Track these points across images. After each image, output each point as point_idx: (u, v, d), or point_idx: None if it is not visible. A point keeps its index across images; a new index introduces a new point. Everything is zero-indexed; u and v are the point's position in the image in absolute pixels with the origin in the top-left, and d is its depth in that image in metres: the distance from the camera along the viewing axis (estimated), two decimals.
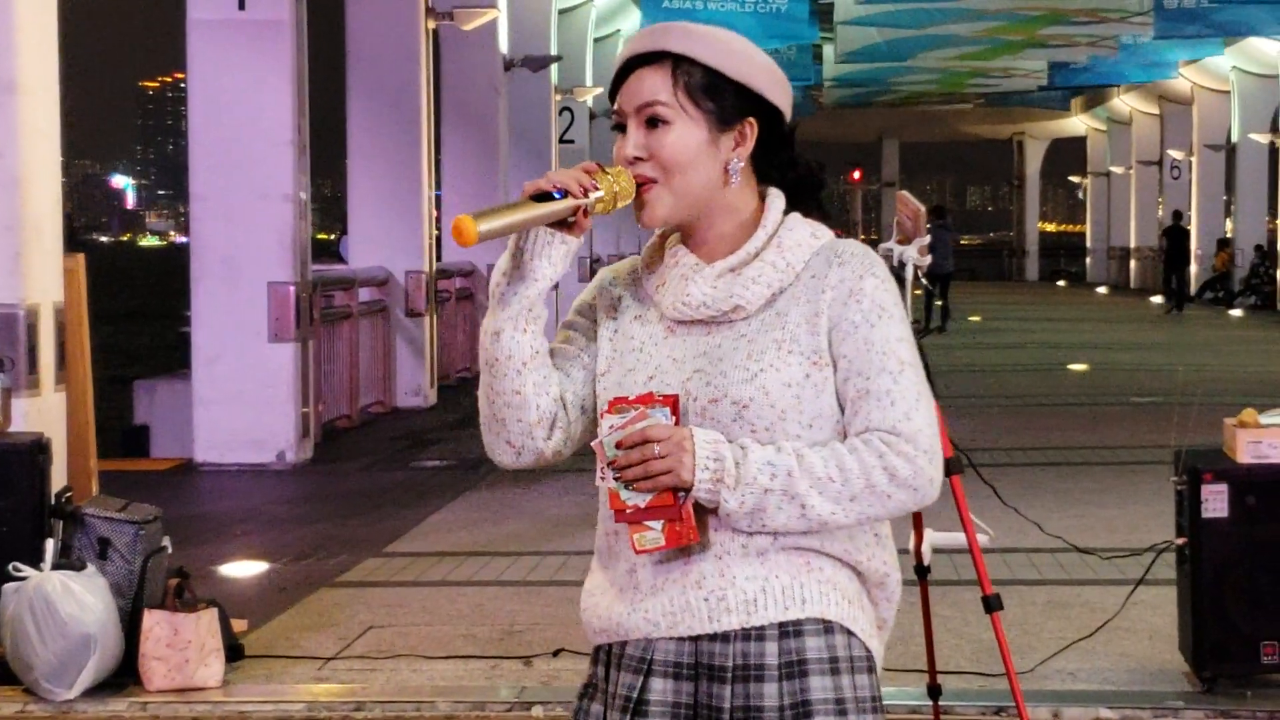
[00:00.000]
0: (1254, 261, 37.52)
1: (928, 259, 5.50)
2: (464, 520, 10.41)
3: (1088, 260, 58.15)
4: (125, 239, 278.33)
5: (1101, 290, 47.29)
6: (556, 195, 2.62)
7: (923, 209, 5.48)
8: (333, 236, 36.20)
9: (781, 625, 2.63)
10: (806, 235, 2.73)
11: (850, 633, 2.66)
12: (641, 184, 2.68)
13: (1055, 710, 6.28)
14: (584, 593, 2.80)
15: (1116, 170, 52.96)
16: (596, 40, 28.49)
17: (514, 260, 2.69)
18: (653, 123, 2.69)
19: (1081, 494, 10.90)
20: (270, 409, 12.71)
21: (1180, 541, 6.53)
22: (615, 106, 2.73)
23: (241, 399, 12.66)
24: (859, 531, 2.69)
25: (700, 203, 2.71)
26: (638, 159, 2.68)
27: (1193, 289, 40.85)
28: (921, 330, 5.70)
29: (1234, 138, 39.05)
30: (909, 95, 48.41)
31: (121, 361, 29.39)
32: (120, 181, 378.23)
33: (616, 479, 2.58)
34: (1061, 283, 55.68)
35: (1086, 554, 8.42)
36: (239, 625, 7.26)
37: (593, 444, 2.63)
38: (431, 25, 17.03)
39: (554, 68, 23.44)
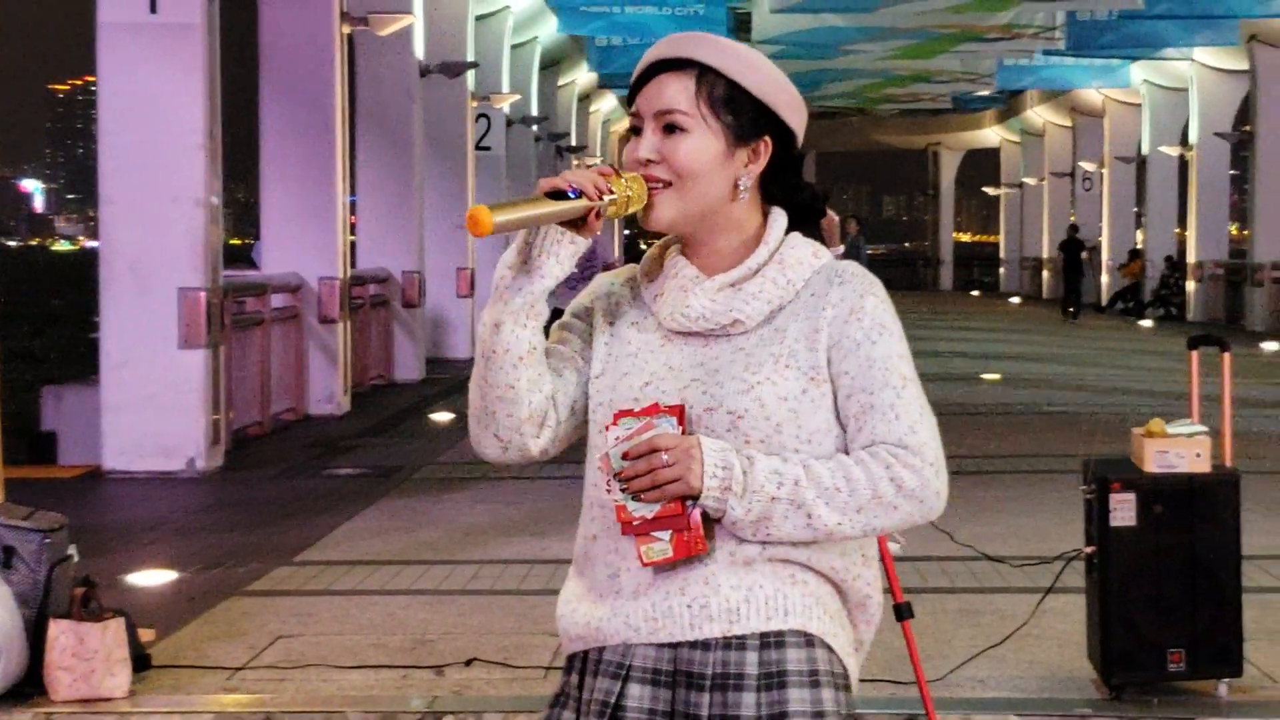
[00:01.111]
0: (1163, 273, 37.91)
1: None
2: (376, 529, 10.35)
3: (1001, 270, 58.53)
4: (34, 244, 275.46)
5: (1015, 300, 47.62)
6: (571, 195, 2.62)
7: (837, 219, 5.49)
8: (247, 242, 35.98)
9: (763, 635, 2.62)
10: (808, 254, 2.75)
11: (830, 649, 2.67)
12: (651, 187, 2.69)
13: (965, 717, 6.30)
14: (560, 601, 2.78)
15: (1030, 181, 53.36)
16: (514, 47, 28.43)
17: (521, 255, 2.68)
18: (670, 129, 2.69)
19: (994, 502, 10.96)
20: (180, 416, 12.60)
21: (1089, 550, 6.57)
22: (633, 109, 2.73)
23: (151, 405, 12.54)
24: (850, 549, 2.70)
25: (706, 214, 2.71)
26: (650, 161, 2.69)
27: (1104, 300, 41.24)
28: None
29: (1144, 150, 39.43)
30: (825, 106, 48.67)
31: (30, 367, 29.07)
32: (29, 185, 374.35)
33: (624, 490, 2.57)
34: (975, 292, 56.02)
35: (997, 562, 8.46)
36: (146, 635, 7.18)
37: (598, 458, 2.62)
38: (346, 30, 16.95)
39: (470, 74, 23.38)
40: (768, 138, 2.73)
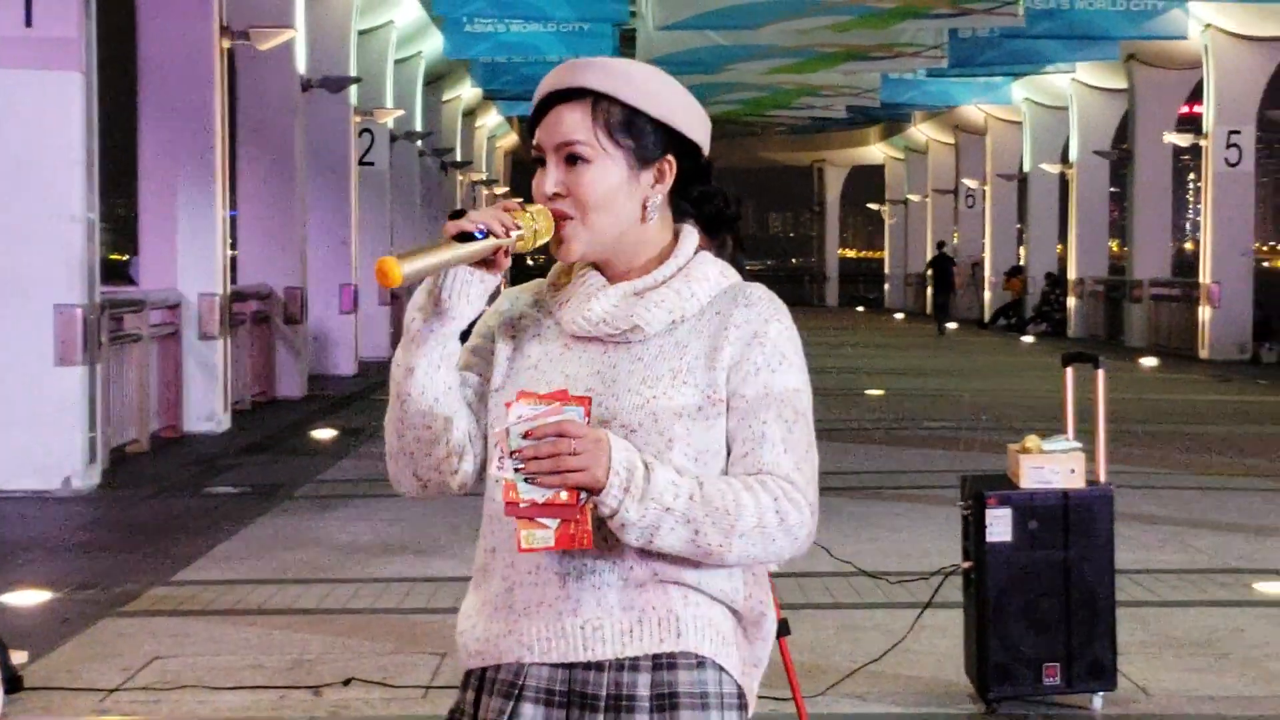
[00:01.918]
0: (1044, 289, 38.34)
1: None
2: (255, 548, 10.24)
3: (886, 286, 58.98)
4: None
5: (899, 316, 48.01)
6: (479, 235, 2.59)
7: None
8: (125, 258, 35.60)
9: (655, 658, 2.61)
10: (715, 272, 2.74)
11: (722, 669, 2.66)
12: (559, 220, 2.67)
13: None
14: (460, 615, 2.76)
15: (914, 198, 53.82)
16: (397, 62, 28.32)
17: (431, 298, 2.65)
18: (572, 160, 2.67)
19: (875, 518, 11.02)
20: (56, 434, 12.43)
21: (966, 565, 6.62)
22: (535, 142, 2.71)
23: (26, 423, 12.36)
24: (735, 571, 2.69)
25: (617, 239, 2.70)
26: (556, 195, 2.67)
27: (986, 316, 41.65)
28: None
29: (1026, 168, 39.89)
30: (711, 122, 48.73)
31: None
32: None
33: (518, 470, 2.49)
34: (860, 308, 56.41)
35: (875, 578, 8.50)
36: (19, 656, 7.06)
37: (494, 431, 2.54)
38: (226, 44, 16.80)
39: (353, 89, 23.27)
40: (671, 156, 2.72)
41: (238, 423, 17.05)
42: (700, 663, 2.63)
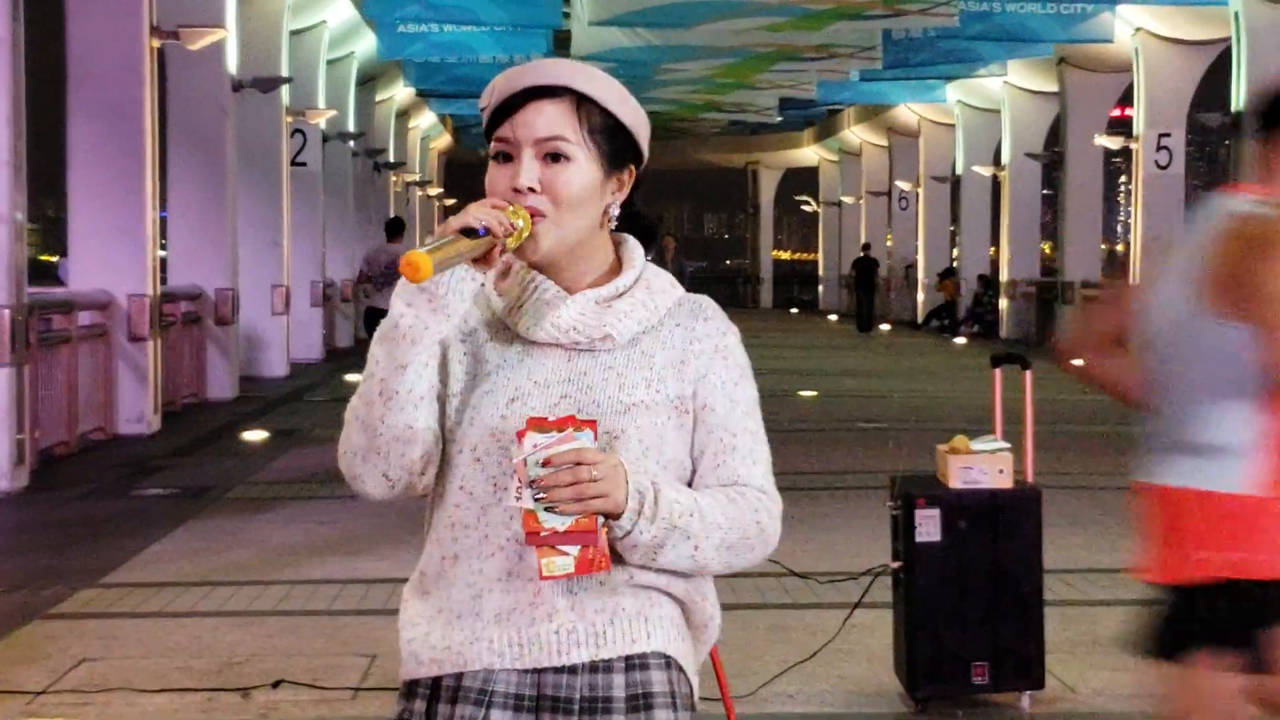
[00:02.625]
0: (977, 291, 38.54)
1: None
2: (186, 550, 10.19)
3: (820, 288, 59.15)
4: None
5: (833, 318, 48.17)
6: (480, 232, 2.57)
7: (673, 244, 5.49)
8: (55, 259, 35.37)
9: (628, 659, 2.63)
10: (668, 283, 2.77)
11: (683, 670, 2.70)
12: (532, 216, 2.65)
13: None
14: (404, 624, 2.72)
15: (848, 200, 54.01)
16: (330, 62, 28.21)
17: (425, 294, 2.59)
18: (554, 157, 2.65)
19: (807, 518, 11.04)
20: None
21: (895, 565, 6.65)
22: (503, 135, 2.67)
23: None
24: (694, 576, 2.72)
25: (578, 243, 2.70)
26: (530, 190, 2.64)
27: (919, 317, 41.86)
28: None
29: (959, 170, 40.09)
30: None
31: None
32: None
33: (538, 499, 2.49)
34: (795, 310, 56.56)
35: (803, 578, 8.53)
36: None
37: (514, 461, 2.52)
38: (156, 44, 16.71)
39: (285, 89, 23.17)
40: (633, 166, 2.74)
41: (168, 424, 16.96)
42: (668, 662, 2.66)
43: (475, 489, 2.64)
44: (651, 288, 2.73)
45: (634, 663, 2.64)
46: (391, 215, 26.77)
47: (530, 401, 2.64)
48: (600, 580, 2.62)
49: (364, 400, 2.63)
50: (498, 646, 2.61)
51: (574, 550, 2.52)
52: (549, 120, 2.65)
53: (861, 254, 42.39)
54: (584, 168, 2.66)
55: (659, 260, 24.92)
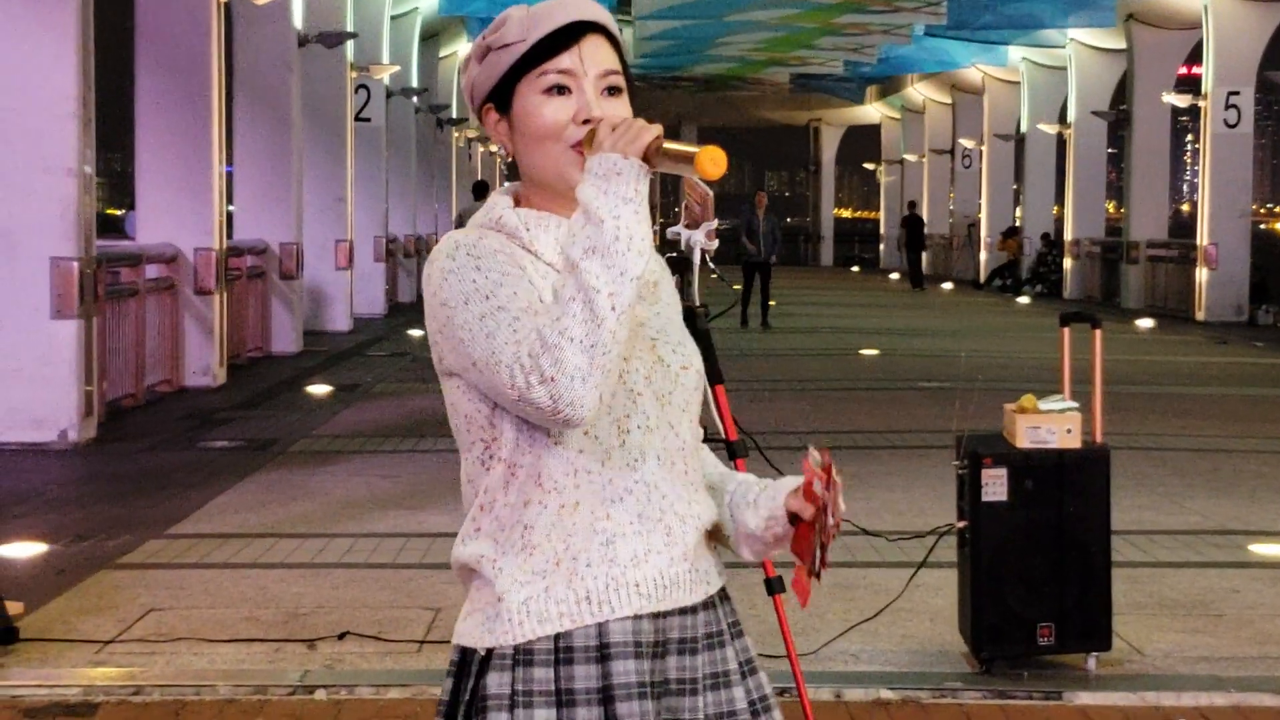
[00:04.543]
0: (1040, 250, 38.33)
1: (715, 243, 5.49)
2: (251, 501, 10.25)
3: (881, 247, 58.95)
4: None
5: (894, 276, 47.97)
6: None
7: (710, 193, 5.47)
8: (122, 213, 35.55)
9: (721, 591, 2.68)
10: None
11: None
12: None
13: (837, 691, 6.34)
14: (506, 588, 2.53)
15: (910, 158, 53.75)
16: (394, 18, 28.24)
17: (635, 205, 2.47)
18: (612, 91, 2.62)
19: (869, 477, 11.02)
20: (52, 387, 12.43)
21: (961, 525, 6.62)
22: (566, 67, 2.59)
23: (22, 376, 12.36)
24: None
25: None
26: (592, 120, 2.58)
27: (982, 277, 41.68)
28: (712, 314, 5.72)
29: (1023, 128, 39.83)
30: (708, 79, 48.71)
31: None
32: None
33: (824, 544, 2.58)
34: (855, 269, 56.38)
35: (872, 536, 8.52)
36: (15, 608, 7.07)
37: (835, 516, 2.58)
38: None
39: (350, 45, 23.20)
40: None
41: (233, 377, 17.06)
42: (725, 594, 2.71)
43: (600, 432, 2.55)
44: None
45: (724, 593, 2.69)
46: (478, 177, 26.80)
47: (633, 344, 2.59)
48: (701, 517, 2.64)
49: (585, 319, 2.40)
50: (645, 589, 2.54)
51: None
52: (604, 53, 2.63)
53: (909, 212, 42.90)
54: (627, 102, 2.65)
55: (751, 211, 24.97)
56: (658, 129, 2.49)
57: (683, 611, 2.59)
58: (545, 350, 2.39)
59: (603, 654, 2.52)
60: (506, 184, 2.76)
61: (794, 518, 2.63)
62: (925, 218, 49.55)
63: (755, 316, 25.00)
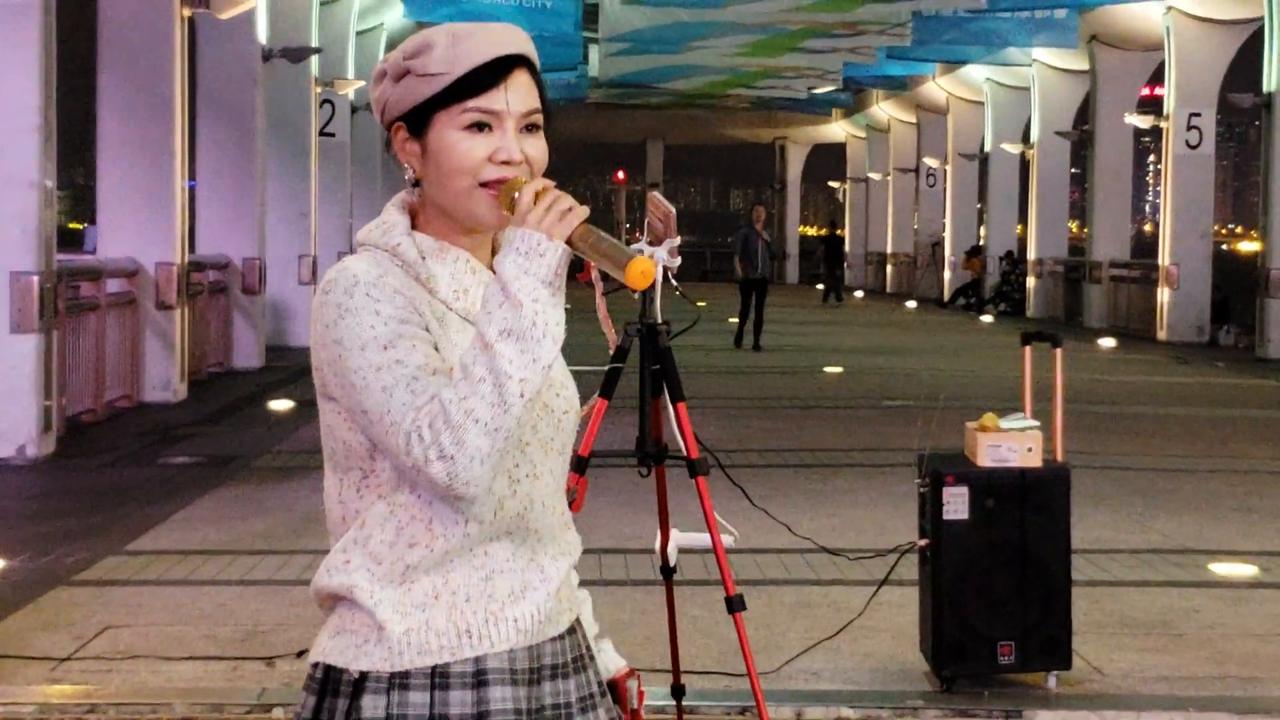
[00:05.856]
0: (1004, 269, 38.46)
1: (678, 260, 5.48)
2: (211, 517, 10.20)
3: (846, 265, 59.03)
4: None
5: (859, 294, 48.05)
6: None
7: (673, 210, 5.46)
8: (84, 227, 35.38)
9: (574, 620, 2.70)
10: None
11: None
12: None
13: (798, 710, 6.32)
14: (386, 616, 2.51)
15: (875, 177, 53.87)
16: (359, 33, 28.19)
17: (554, 290, 2.44)
18: (530, 129, 2.57)
19: (832, 495, 11.02)
20: (11, 401, 12.35)
21: (922, 543, 6.62)
22: (489, 107, 2.54)
23: None
24: None
25: None
26: (510, 163, 2.54)
27: (946, 295, 41.78)
28: (674, 332, 5.70)
29: (987, 147, 39.97)
30: (673, 98, 48.83)
31: None
32: None
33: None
34: (820, 286, 56.44)
35: (834, 554, 8.50)
36: None
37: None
38: (187, 13, 16.68)
39: (314, 59, 23.15)
40: None
41: (194, 393, 16.99)
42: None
43: (495, 486, 2.52)
44: None
45: (577, 619, 2.71)
46: None
47: None
48: (567, 553, 2.66)
49: (493, 402, 2.37)
50: (523, 624, 2.56)
51: None
52: (530, 91, 2.58)
53: (829, 231, 46.05)
54: (543, 139, 2.60)
55: (750, 229, 24.89)
56: (584, 211, 2.45)
57: (554, 639, 2.62)
58: (448, 427, 2.37)
59: (479, 680, 2.52)
60: (403, 192, 2.69)
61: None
62: (889, 236, 49.99)
63: (748, 332, 24.77)
